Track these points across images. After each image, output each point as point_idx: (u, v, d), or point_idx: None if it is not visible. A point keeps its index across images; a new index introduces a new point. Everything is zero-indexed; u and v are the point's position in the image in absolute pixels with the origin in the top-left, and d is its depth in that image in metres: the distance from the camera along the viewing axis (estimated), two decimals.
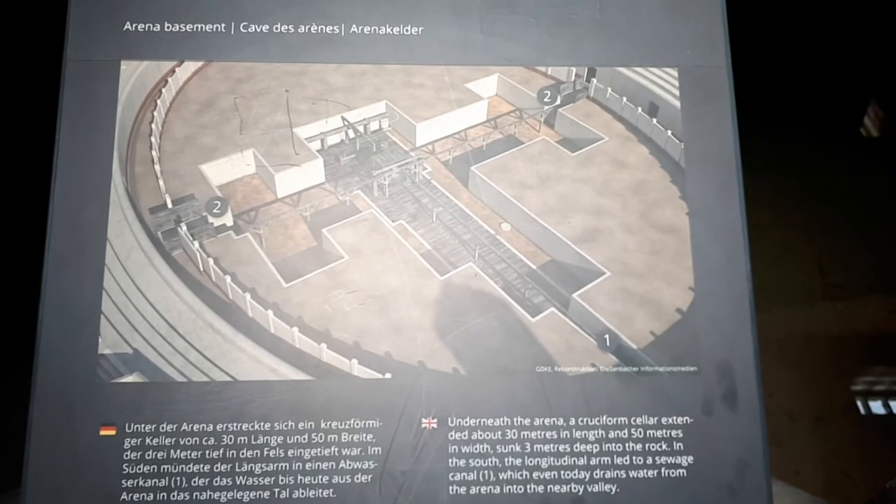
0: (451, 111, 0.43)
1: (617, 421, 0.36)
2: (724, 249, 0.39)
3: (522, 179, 0.42)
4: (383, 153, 0.45)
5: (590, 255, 0.40)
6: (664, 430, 0.36)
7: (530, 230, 0.41)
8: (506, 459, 0.35)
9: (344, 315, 0.37)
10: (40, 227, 0.37)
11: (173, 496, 0.34)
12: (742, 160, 0.40)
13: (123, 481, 0.34)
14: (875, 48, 0.90)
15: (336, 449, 0.35)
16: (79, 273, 0.36)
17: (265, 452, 0.35)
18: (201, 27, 0.40)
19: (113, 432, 0.34)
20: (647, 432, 0.36)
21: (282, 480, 0.34)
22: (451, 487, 0.35)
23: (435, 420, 0.36)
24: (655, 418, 0.36)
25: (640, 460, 0.36)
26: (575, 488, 0.35)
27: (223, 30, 0.40)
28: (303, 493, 0.34)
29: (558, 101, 0.45)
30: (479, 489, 0.35)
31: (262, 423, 0.35)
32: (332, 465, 0.35)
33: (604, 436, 0.36)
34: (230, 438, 0.35)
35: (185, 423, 0.35)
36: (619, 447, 0.36)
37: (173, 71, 0.40)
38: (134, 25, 0.40)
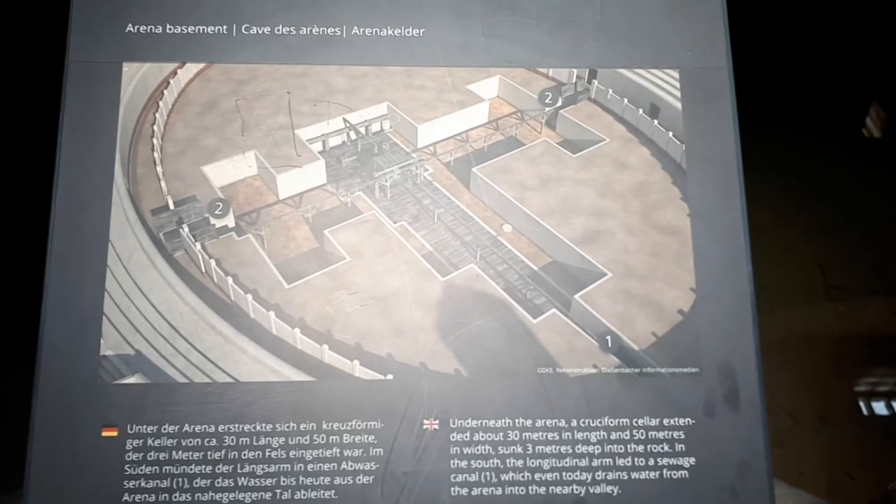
0: (453, 113, 0.43)
1: (619, 422, 0.36)
2: (725, 250, 0.39)
3: (524, 181, 0.42)
4: (385, 155, 0.45)
5: (591, 257, 0.40)
6: (666, 432, 0.36)
7: (532, 231, 0.41)
8: (507, 461, 0.35)
9: (346, 316, 0.37)
10: (42, 228, 0.37)
11: (175, 497, 0.34)
12: (743, 161, 0.40)
13: (125, 482, 0.34)
14: (876, 48, 0.90)
15: (338, 450, 0.35)
16: (81, 274, 0.36)
17: (267, 453, 0.35)
18: (203, 29, 0.40)
19: (115, 433, 0.35)
20: (649, 433, 0.36)
21: (284, 481, 0.34)
22: (452, 489, 0.35)
23: (437, 421, 0.36)
24: (657, 419, 0.36)
25: (641, 461, 0.36)
26: (577, 489, 0.35)
27: (225, 32, 0.40)
28: (305, 494, 0.34)
29: (559, 103, 0.45)
30: (481, 490, 0.35)
31: (263, 425, 0.35)
32: (333, 467, 0.35)
33: (605, 437, 0.36)
34: (232, 439, 0.35)
35: (186, 425, 0.35)
36: (620, 448, 0.36)
37: (175, 73, 0.41)
38: (136, 27, 0.40)
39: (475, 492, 0.35)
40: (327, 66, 0.41)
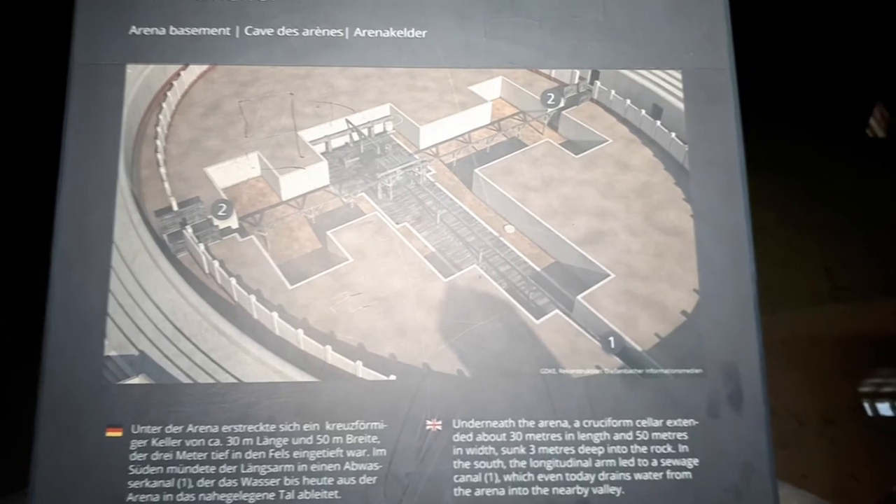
0: (455, 114, 0.43)
1: (622, 423, 0.36)
2: (728, 251, 0.39)
3: (526, 181, 0.42)
4: (387, 156, 0.45)
5: (594, 257, 0.40)
6: (669, 433, 0.36)
7: (534, 232, 0.41)
8: (510, 461, 0.35)
9: (349, 317, 0.37)
10: (47, 229, 0.37)
11: (179, 497, 0.34)
12: (747, 162, 0.40)
13: (129, 482, 0.34)
14: (880, 48, 0.90)
15: (341, 450, 0.35)
16: (85, 275, 0.36)
17: (270, 454, 0.35)
18: (206, 31, 0.40)
19: (119, 433, 0.35)
20: (652, 434, 0.36)
21: (287, 482, 0.34)
22: (455, 489, 0.35)
23: (439, 422, 0.36)
24: (660, 420, 0.36)
25: (644, 462, 0.36)
26: (580, 490, 0.35)
27: (228, 34, 0.40)
28: (308, 495, 0.34)
29: (562, 104, 0.45)
30: (484, 491, 0.35)
31: (267, 425, 0.35)
32: (337, 467, 0.35)
33: (608, 438, 0.36)
34: (235, 440, 0.35)
35: (190, 425, 0.35)
36: (623, 449, 0.36)
37: (178, 74, 0.41)
38: (140, 29, 0.40)
39: (478, 492, 0.35)
40: (330, 68, 0.41)
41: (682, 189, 0.40)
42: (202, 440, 0.35)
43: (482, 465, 0.35)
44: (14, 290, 0.73)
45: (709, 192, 0.40)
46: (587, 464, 0.35)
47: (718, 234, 0.39)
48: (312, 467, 0.35)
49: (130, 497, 0.34)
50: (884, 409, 0.77)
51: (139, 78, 0.40)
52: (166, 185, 0.40)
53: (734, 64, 0.41)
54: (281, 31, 0.41)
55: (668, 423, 0.36)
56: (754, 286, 0.38)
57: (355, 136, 0.45)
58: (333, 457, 0.35)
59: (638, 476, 0.35)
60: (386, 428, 0.35)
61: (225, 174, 0.42)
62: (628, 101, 0.44)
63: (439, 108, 0.43)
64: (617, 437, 0.36)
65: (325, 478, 0.35)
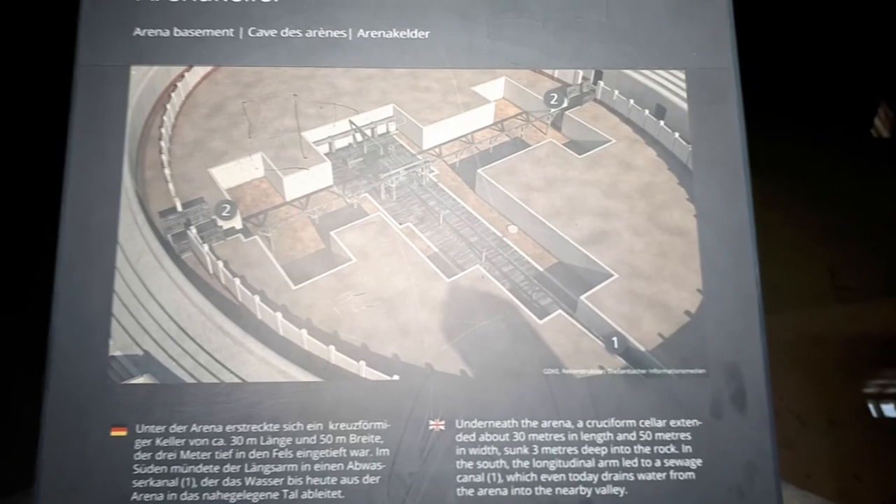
0: (458, 114, 0.43)
1: (625, 423, 0.36)
2: (732, 251, 0.39)
3: (529, 182, 0.42)
4: (390, 156, 0.45)
5: (597, 258, 0.40)
6: (672, 433, 0.36)
7: (537, 232, 0.41)
8: (513, 462, 0.35)
9: (352, 317, 0.38)
10: (52, 230, 0.37)
11: (183, 497, 0.34)
12: (750, 162, 0.40)
13: (134, 482, 0.34)
14: (884, 48, 0.90)
15: (344, 450, 0.35)
16: (89, 276, 0.37)
17: (274, 453, 0.35)
18: (210, 32, 0.40)
19: (124, 433, 0.35)
20: (656, 435, 0.36)
21: (290, 481, 0.35)
22: (458, 489, 0.35)
23: (442, 422, 0.36)
24: (664, 421, 0.36)
25: (648, 463, 0.36)
26: (583, 491, 0.35)
27: (231, 35, 0.41)
28: (311, 494, 0.34)
29: (565, 104, 0.45)
30: (487, 491, 0.35)
31: (271, 425, 0.35)
32: (340, 467, 0.35)
33: (612, 438, 0.36)
34: (239, 439, 0.35)
35: (194, 425, 0.35)
36: (627, 450, 0.36)
37: (182, 75, 0.41)
38: (144, 31, 0.40)
39: (481, 492, 0.35)
40: (333, 69, 0.41)
41: (686, 189, 0.40)
42: (206, 440, 0.35)
43: (485, 465, 0.35)
44: (17, 291, 0.73)
45: (712, 192, 0.40)
46: (590, 464, 0.35)
47: (722, 234, 0.39)
48: (316, 467, 0.35)
49: (135, 496, 0.34)
50: (888, 409, 0.77)
51: (143, 79, 0.40)
52: (170, 185, 0.40)
53: (738, 64, 0.41)
54: (284, 33, 0.41)
55: (672, 423, 0.36)
56: (758, 286, 0.38)
57: (359, 137, 0.45)
58: (337, 456, 0.35)
59: (641, 476, 0.35)
60: (389, 428, 0.35)
61: (229, 175, 0.42)
62: (632, 102, 0.44)
63: (442, 108, 0.43)
64: (620, 437, 0.36)
65: (328, 477, 0.35)
